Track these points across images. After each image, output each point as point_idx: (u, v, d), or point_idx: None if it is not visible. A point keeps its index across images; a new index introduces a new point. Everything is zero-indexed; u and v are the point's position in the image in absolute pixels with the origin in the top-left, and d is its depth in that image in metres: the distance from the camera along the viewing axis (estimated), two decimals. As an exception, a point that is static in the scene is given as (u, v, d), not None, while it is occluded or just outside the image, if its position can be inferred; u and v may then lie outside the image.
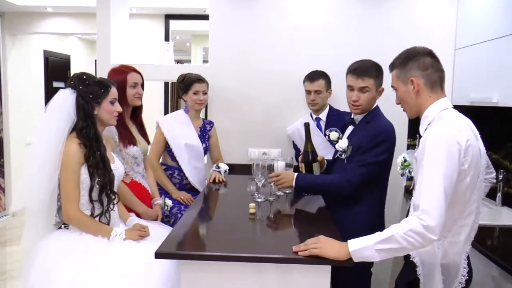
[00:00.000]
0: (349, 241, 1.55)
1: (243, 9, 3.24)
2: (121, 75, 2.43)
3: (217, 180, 2.83)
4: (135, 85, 2.46)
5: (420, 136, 1.64)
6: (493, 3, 2.61)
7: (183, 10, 5.47)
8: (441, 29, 3.15)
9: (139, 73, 2.52)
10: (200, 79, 2.89)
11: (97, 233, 1.86)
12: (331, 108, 3.01)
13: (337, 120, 2.88)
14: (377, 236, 1.51)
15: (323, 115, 2.99)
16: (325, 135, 2.91)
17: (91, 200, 1.87)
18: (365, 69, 2.21)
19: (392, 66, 1.74)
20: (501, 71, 2.43)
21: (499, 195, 2.61)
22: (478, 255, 1.90)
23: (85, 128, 1.84)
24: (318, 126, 2.99)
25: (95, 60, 7.71)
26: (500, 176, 2.60)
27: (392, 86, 1.76)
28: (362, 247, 1.51)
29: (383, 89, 2.27)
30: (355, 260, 1.53)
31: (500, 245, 2.11)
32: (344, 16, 3.22)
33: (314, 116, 3.02)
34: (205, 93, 2.91)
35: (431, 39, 3.07)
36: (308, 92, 2.95)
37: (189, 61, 7.76)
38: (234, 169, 3.07)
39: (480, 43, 2.71)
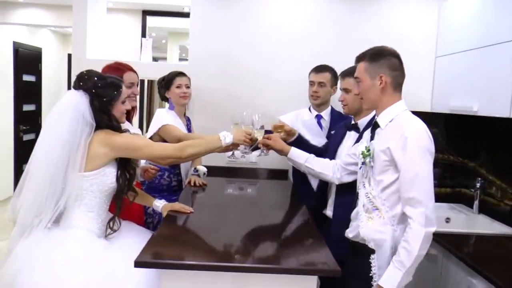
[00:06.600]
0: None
1: (224, 9, 3.19)
2: (117, 74, 2.26)
3: (197, 184, 2.73)
4: (131, 85, 2.37)
5: (377, 127, 1.74)
6: (474, 14, 2.64)
7: (160, 7, 5.36)
8: (422, 36, 3.17)
9: (135, 72, 2.43)
10: (181, 73, 2.82)
11: (210, 145, 2.01)
12: (333, 109, 2.79)
13: (341, 121, 2.56)
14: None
15: (325, 114, 2.76)
16: (328, 136, 2.65)
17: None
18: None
19: (360, 59, 1.78)
20: (482, 80, 2.46)
21: (476, 202, 2.64)
22: (457, 261, 1.93)
23: (110, 127, 1.82)
24: (319, 123, 2.75)
25: (68, 54, 7.56)
26: (478, 185, 2.63)
27: (355, 77, 1.81)
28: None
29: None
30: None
31: (477, 252, 2.13)
32: (324, 20, 3.21)
33: (315, 113, 2.79)
34: (188, 87, 2.82)
35: (411, 46, 3.12)
36: (311, 83, 2.73)
37: (165, 59, 7.60)
38: (212, 171, 2.96)
39: (461, 52, 2.74)
